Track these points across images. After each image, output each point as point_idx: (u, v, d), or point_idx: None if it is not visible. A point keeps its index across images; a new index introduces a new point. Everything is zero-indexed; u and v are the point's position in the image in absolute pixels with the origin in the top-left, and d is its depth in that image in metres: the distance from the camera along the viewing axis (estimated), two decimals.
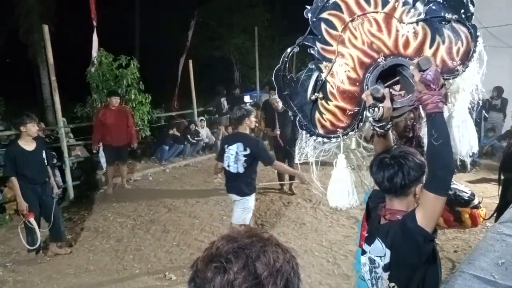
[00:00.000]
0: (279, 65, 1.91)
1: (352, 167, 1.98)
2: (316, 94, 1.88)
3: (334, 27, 1.85)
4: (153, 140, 9.20)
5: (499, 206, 4.08)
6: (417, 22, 1.75)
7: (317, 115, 1.91)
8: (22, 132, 4.29)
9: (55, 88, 6.33)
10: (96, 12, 7.48)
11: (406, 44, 1.77)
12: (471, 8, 1.71)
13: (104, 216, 5.84)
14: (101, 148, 6.91)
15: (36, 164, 4.37)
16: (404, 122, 2.83)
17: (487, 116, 8.64)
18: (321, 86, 1.89)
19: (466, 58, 1.73)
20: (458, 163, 1.91)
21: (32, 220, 4.27)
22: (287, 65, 1.93)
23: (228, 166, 3.97)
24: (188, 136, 9.20)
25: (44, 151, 4.49)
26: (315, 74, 1.90)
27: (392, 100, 1.63)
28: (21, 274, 4.15)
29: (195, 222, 5.47)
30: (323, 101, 1.90)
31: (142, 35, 17.07)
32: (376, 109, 1.60)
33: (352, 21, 1.82)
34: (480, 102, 1.86)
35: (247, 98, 12.48)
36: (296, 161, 2.11)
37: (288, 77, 1.93)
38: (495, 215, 4.03)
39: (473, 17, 1.75)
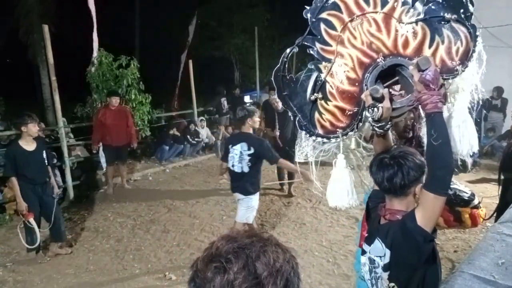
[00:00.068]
0: (278, 66, 1.92)
1: (351, 167, 1.98)
2: (315, 94, 1.88)
3: (333, 27, 1.85)
4: (153, 140, 9.21)
5: (499, 206, 4.08)
6: (416, 22, 1.75)
7: (316, 115, 1.91)
8: (23, 132, 4.29)
9: (55, 88, 6.33)
10: (96, 12, 7.47)
11: (406, 44, 1.77)
12: (471, 7, 1.71)
13: (104, 216, 5.84)
14: (101, 148, 6.92)
15: (36, 164, 4.37)
16: (404, 122, 2.83)
17: (487, 114, 8.65)
18: (320, 86, 1.89)
19: (465, 58, 1.73)
20: (459, 163, 1.91)
21: (31, 220, 4.27)
22: (286, 66, 1.93)
23: (233, 166, 4.02)
24: (188, 136, 9.20)
25: (44, 151, 4.49)
26: (315, 74, 1.90)
27: (391, 100, 1.63)
28: (21, 274, 4.16)
29: (195, 222, 5.47)
30: (322, 101, 1.90)
31: (142, 35, 17.05)
32: (375, 109, 1.60)
33: (351, 21, 1.82)
34: (480, 102, 1.86)
35: (247, 98, 12.47)
36: (296, 160, 2.12)
37: (288, 78, 1.93)
38: (495, 215, 4.03)
39: (473, 17, 1.75)
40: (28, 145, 4.32)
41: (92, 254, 4.61)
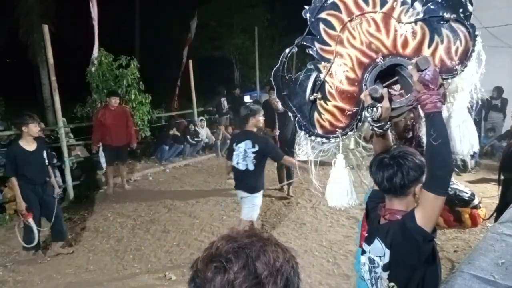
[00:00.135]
0: (277, 66, 1.91)
1: (351, 167, 1.98)
2: (315, 94, 1.88)
3: (332, 27, 1.85)
4: (153, 140, 9.21)
5: (499, 206, 4.08)
6: (415, 21, 1.75)
7: (316, 115, 1.91)
8: (23, 132, 4.29)
9: (55, 88, 6.33)
10: (97, 12, 7.47)
11: (405, 44, 1.77)
12: (470, 7, 1.71)
13: (104, 216, 5.84)
14: (100, 148, 6.92)
15: (37, 164, 4.37)
16: (404, 122, 2.83)
17: (487, 114, 8.65)
18: (320, 86, 1.89)
19: (464, 57, 1.73)
20: (459, 163, 1.91)
21: (30, 220, 4.27)
22: (285, 66, 1.93)
23: (237, 163, 4.07)
24: (188, 136, 9.20)
25: (45, 151, 4.50)
26: (314, 75, 1.90)
27: (390, 100, 1.63)
28: (21, 274, 4.16)
29: (195, 222, 5.47)
30: (322, 101, 1.90)
31: (142, 35, 17.08)
32: (374, 109, 1.60)
33: (350, 21, 1.82)
34: (480, 102, 1.86)
35: (247, 98, 12.48)
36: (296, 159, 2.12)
37: (287, 78, 1.93)
38: (495, 215, 4.03)
39: (473, 17, 1.74)
40: (29, 145, 4.33)
41: (92, 254, 4.61)
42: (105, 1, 7.66)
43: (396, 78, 1.73)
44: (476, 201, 4.94)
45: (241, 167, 4.05)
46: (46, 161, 4.49)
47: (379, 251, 1.64)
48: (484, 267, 2.33)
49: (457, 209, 4.88)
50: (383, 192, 1.68)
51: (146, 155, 9.02)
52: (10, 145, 5.58)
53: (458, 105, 1.86)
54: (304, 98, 1.92)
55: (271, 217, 5.59)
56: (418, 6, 1.75)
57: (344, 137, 1.89)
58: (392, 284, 1.61)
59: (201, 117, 10.01)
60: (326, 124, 1.90)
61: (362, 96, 1.70)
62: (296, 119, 1.93)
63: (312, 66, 1.90)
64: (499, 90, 8.50)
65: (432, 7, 1.74)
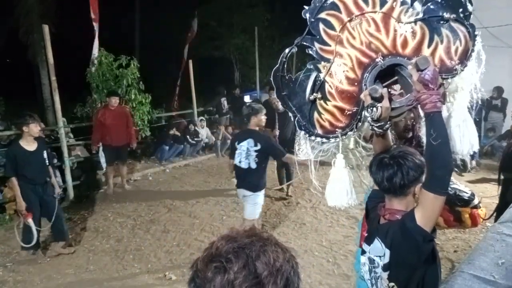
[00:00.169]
0: (277, 66, 1.91)
1: (351, 167, 1.97)
2: (314, 94, 1.88)
3: (332, 27, 1.85)
4: (153, 140, 9.21)
5: (499, 206, 4.07)
6: (415, 21, 1.75)
7: (315, 115, 1.91)
8: (24, 132, 4.29)
9: (55, 88, 6.33)
10: (97, 12, 7.47)
11: (404, 43, 1.76)
12: (469, 7, 1.71)
13: (104, 216, 5.84)
14: (100, 148, 6.92)
15: (37, 164, 4.37)
16: (404, 122, 2.83)
17: (487, 114, 8.65)
18: (319, 86, 1.88)
19: (464, 57, 1.73)
20: (459, 162, 1.91)
21: (30, 220, 4.27)
22: (285, 66, 1.93)
23: (240, 162, 4.10)
24: (188, 136, 9.20)
25: (45, 151, 4.50)
26: (314, 74, 1.90)
27: (390, 100, 1.63)
28: (21, 274, 4.16)
29: (195, 222, 5.47)
30: (321, 101, 1.90)
31: (142, 35, 17.07)
32: (374, 109, 1.60)
33: (350, 21, 1.82)
34: (479, 102, 1.86)
35: (247, 98, 12.48)
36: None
37: (287, 78, 1.93)
38: (495, 215, 4.02)
39: (473, 17, 1.74)
40: (29, 145, 4.33)
41: (92, 254, 4.61)
42: (105, 1, 7.65)
43: (395, 78, 1.73)
44: (476, 201, 4.94)
45: (244, 165, 4.08)
46: (47, 161, 4.49)
47: (379, 251, 1.64)
48: (484, 267, 2.32)
49: (457, 209, 4.89)
50: (383, 192, 1.68)
51: (146, 155, 9.02)
52: (10, 145, 5.59)
53: (458, 105, 1.85)
54: (304, 98, 1.92)
55: (271, 217, 5.59)
56: (417, 6, 1.75)
57: (344, 137, 1.89)
58: (392, 284, 1.61)
59: (201, 117, 10.02)
60: (326, 124, 1.90)
61: (362, 96, 1.70)
62: (296, 119, 1.93)
63: (311, 66, 1.90)
64: (499, 90, 8.50)
65: (431, 7, 1.74)
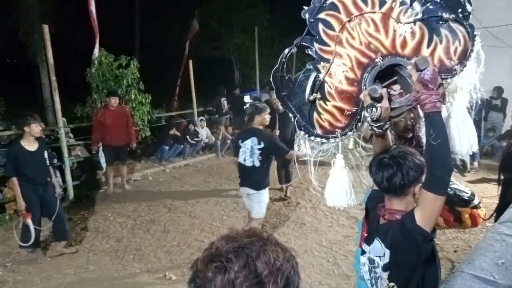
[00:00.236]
0: (277, 66, 1.92)
1: (350, 167, 1.98)
2: (314, 94, 1.88)
3: (331, 28, 1.85)
4: (153, 140, 9.21)
5: (499, 206, 4.07)
6: (414, 22, 1.75)
7: (315, 115, 1.91)
8: (25, 132, 4.30)
9: (55, 88, 6.33)
10: (96, 12, 7.45)
11: (404, 44, 1.77)
12: (468, 7, 1.71)
13: (104, 216, 5.84)
14: (100, 148, 6.92)
15: (38, 164, 4.38)
16: (404, 122, 2.83)
17: (487, 114, 8.64)
18: (319, 86, 1.89)
19: (463, 57, 1.73)
20: (459, 163, 1.91)
21: (29, 220, 4.27)
22: (285, 66, 1.93)
23: (244, 160, 4.15)
24: (187, 136, 9.20)
25: (46, 152, 4.50)
26: (313, 75, 1.90)
27: (390, 100, 1.63)
28: (21, 274, 4.16)
29: (195, 222, 5.47)
30: (321, 102, 1.90)
31: (142, 35, 17.08)
32: (374, 109, 1.60)
33: (349, 21, 1.82)
34: (479, 102, 1.86)
35: (247, 98, 12.48)
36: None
37: (286, 78, 1.93)
38: (494, 215, 4.02)
39: (472, 16, 1.75)
40: (30, 145, 4.33)
41: (92, 254, 4.61)
42: (105, 1, 7.65)
43: (395, 78, 1.73)
44: (476, 201, 4.94)
45: (248, 163, 4.13)
46: (47, 161, 4.49)
47: (379, 251, 1.64)
48: (484, 267, 2.32)
49: (457, 209, 4.88)
50: (382, 192, 1.68)
51: (146, 155, 9.02)
52: (10, 145, 5.59)
53: (457, 105, 1.86)
54: (303, 98, 1.92)
55: (271, 217, 5.59)
56: (417, 6, 1.75)
57: (344, 137, 1.89)
58: (392, 284, 1.61)
59: (201, 117, 10.01)
60: (326, 124, 1.90)
61: (361, 96, 1.70)
62: (296, 119, 1.93)
63: (311, 66, 1.90)
64: (499, 90, 8.50)
65: (431, 7, 1.74)
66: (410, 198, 1.62)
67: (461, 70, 1.73)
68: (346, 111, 1.86)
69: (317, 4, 1.85)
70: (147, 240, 4.96)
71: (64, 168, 6.45)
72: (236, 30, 15.54)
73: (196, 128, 9.50)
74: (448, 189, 1.52)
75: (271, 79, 1.94)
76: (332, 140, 1.90)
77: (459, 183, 5.32)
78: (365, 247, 1.76)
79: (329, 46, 1.86)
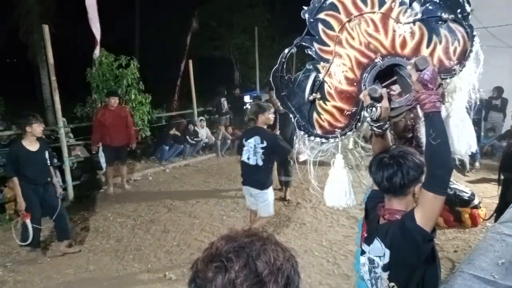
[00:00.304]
0: (276, 66, 1.92)
1: (350, 167, 1.98)
2: (314, 94, 1.88)
3: (331, 28, 1.85)
4: (153, 140, 9.21)
5: (499, 206, 4.07)
6: (414, 22, 1.75)
7: (315, 115, 1.91)
8: (27, 132, 4.30)
9: (55, 88, 6.34)
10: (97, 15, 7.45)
11: (403, 44, 1.77)
12: (467, 7, 1.71)
13: (104, 216, 5.84)
14: (100, 148, 6.92)
15: (39, 164, 4.38)
16: (404, 122, 2.83)
17: (487, 114, 8.64)
18: (319, 86, 1.89)
19: (463, 57, 1.73)
20: (457, 162, 1.91)
21: (28, 221, 4.28)
22: (284, 66, 1.93)
23: (248, 158, 4.21)
24: (187, 137, 9.20)
25: (47, 152, 4.51)
26: (313, 75, 1.90)
27: (389, 100, 1.63)
28: (21, 274, 4.16)
29: (195, 222, 5.47)
30: (321, 102, 1.90)
31: (142, 35, 17.07)
32: (374, 109, 1.61)
33: (349, 21, 1.82)
34: (478, 102, 1.86)
35: (247, 98, 12.48)
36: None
37: (286, 78, 1.94)
38: (495, 215, 4.02)
39: (472, 16, 1.75)
40: (32, 145, 4.34)
41: (92, 254, 4.61)
42: (105, 1, 7.65)
43: (395, 78, 1.73)
44: (476, 201, 4.94)
45: (252, 162, 4.19)
46: (48, 162, 4.49)
47: (378, 251, 1.64)
48: (484, 267, 2.32)
49: (457, 209, 4.88)
50: (382, 192, 1.68)
51: (146, 155, 9.02)
52: (11, 145, 5.59)
53: (456, 105, 1.86)
54: (303, 98, 1.92)
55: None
56: (416, 6, 1.75)
57: (343, 137, 1.89)
58: (392, 284, 1.61)
59: (201, 117, 10.01)
60: (325, 124, 1.90)
61: (361, 96, 1.70)
62: (295, 119, 1.94)
63: (311, 66, 1.90)
64: (499, 90, 8.50)
65: (430, 7, 1.74)
66: (410, 198, 1.62)
67: (460, 70, 1.73)
68: (345, 111, 1.86)
69: (316, 4, 1.85)
70: (147, 240, 4.96)
71: (64, 168, 6.45)
72: (236, 30, 15.54)
73: (196, 128, 9.50)
74: (448, 189, 1.52)
75: (271, 79, 1.94)
76: (331, 140, 1.90)
77: (459, 183, 5.32)
78: (365, 247, 1.75)
79: (328, 46, 1.86)
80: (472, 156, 6.78)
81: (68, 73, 9.70)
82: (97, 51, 7.34)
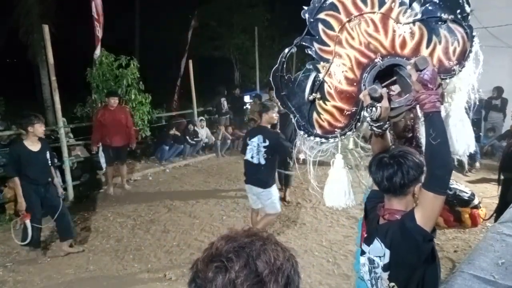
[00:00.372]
0: (276, 66, 1.92)
1: (349, 167, 1.98)
2: (314, 94, 1.89)
3: (331, 28, 1.85)
4: (153, 140, 9.21)
5: (499, 206, 4.07)
6: (413, 22, 1.75)
7: (315, 115, 1.92)
8: (29, 133, 4.30)
9: (55, 88, 6.33)
10: (96, 12, 7.45)
11: (403, 44, 1.77)
12: (467, 8, 1.72)
13: (104, 216, 5.84)
14: (100, 148, 6.92)
15: (40, 164, 4.38)
16: (404, 122, 2.83)
17: (487, 114, 8.64)
18: (318, 86, 1.89)
19: (462, 58, 1.74)
20: (456, 162, 1.91)
21: (27, 221, 4.28)
22: (284, 66, 1.93)
23: (252, 157, 4.25)
24: (187, 137, 9.20)
25: (48, 152, 4.51)
26: (313, 75, 1.90)
27: (389, 100, 1.63)
28: (21, 274, 4.16)
29: (195, 222, 5.47)
30: (321, 102, 1.90)
31: (142, 35, 17.08)
32: (373, 109, 1.61)
33: (349, 21, 1.82)
34: (477, 102, 1.86)
35: (247, 98, 12.48)
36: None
37: (286, 78, 1.94)
38: (494, 215, 4.02)
39: (472, 16, 1.75)
40: (33, 145, 4.34)
41: (92, 254, 4.61)
42: (105, 1, 7.65)
43: (394, 78, 1.73)
44: (476, 201, 4.94)
45: (255, 160, 4.23)
46: (49, 162, 4.50)
47: (378, 251, 1.64)
48: (484, 267, 2.32)
49: (457, 209, 4.88)
50: (382, 192, 1.68)
51: (146, 155, 9.02)
52: (11, 145, 5.59)
53: (455, 105, 1.86)
54: (303, 98, 1.92)
55: None
56: (416, 7, 1.76)
57: (343, 137, 1.89)
58: (392, 284, 1.61)
59: (201, 117, 10.01)
60: (325, 124, 1.90)
61: (361, 96, 1.70)
62: (295, 119, 1.94)
63: (311, 66, 1.91)
64: (499, 90, 8.50)
65: (430, 8, 1.75)
66: (410, 198, 1.62)
67: (460, 71, 1.74)
68: (345, 111, 1.87)
69: (317, 4, 1.85)
70: (147, 240, 4.96)
71: (64, 168, 6.45)
72: (236, 30, 15.54)
73: (196, 128, 9.50)
74: (448, 188, 1.52)
75: (271, 79, 1.94)
76: (331, 140, 1.90)
77: (459, 183, 5.32)
78: (364, 247, 1.75)
79: (328, 46, 1.87)
80: (472, 156, 6.79)
81: (68, 73, 9.70)
82: (98, 51, 7.35)
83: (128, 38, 16.34)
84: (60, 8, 11.73)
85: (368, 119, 1.66)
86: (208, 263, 0.77)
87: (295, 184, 6.51)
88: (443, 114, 1.75)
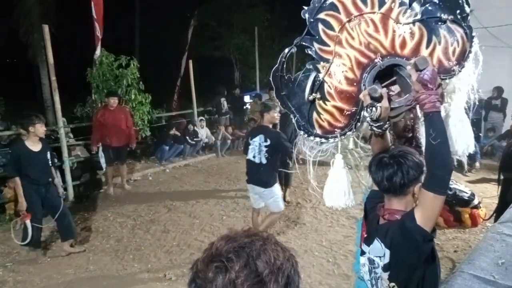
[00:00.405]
0: (276, 66, 1.92)
1: (349, 167, 1.98)
2: (314, 94, 1.89)
3: (331, 28, 1.85)
4: (153, 140, 9.21)
5: (499, 206, 4.07)
6: (413, 22, 1.76)
7: (315, 115, 1.92)
8: (29, 133, 4.30)
9: (55, 88, 6.34)
10: (97, 12, 7.45)
11: (403, 44, 1.77)
12: (467, 8, 1.72)
13: (104, 216, 5.84)
14: (100, 148, 6.92)
15: (41, 164, 4.38)
16: (403, 122, 2.83)
17: (487, 114, 8.64)
18: (318, 86, 1.89)
19: (462, 58, 1.74)
20: (455, 162, 1.91)
21: (27, 221, 4.28)
22: (284, 66, 1.93)
23: (254, 157, 4.28)
24: (187, 137, 9.20)
25: (49, 152, 4.51)
26: (313, 75, 1.90)
27: (389, 100, 1.63)
28: (21, 274, 4.16)
29: (195, 222, 5.47)
30: (320, 102, 1.90)
31: (142, 35, 17.08)
32: (373, 109, 1.61)
33: (349, 21, 1.82)
34: (477, 102, 1.87)
35: (247, 98, 12.48)
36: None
37: (286, 78, 1.94)
38: (494, 215, 4.02)
39: (472, 16, 1.75)
40: (34, 145, 4.34)
41: (92, 254, 4.61)
42: (105, 1, 7.65)
43: (394, 78, 1.73)
44: (476, 201, 4.94)
45: (257, 160, 4.26)
46: (50, 162, 4.50)
47: (378, 251, 1.64)
48: (484, 267, 2.32)
49: (457, 209, 4.88)
50: (382, 192, 1.68)
51: (146, 155, 9.02)
52: (11, 145, 5.59)
53: (455, 106, 1.86)
54: (303, 98, 1.92)
55: None
56: (416, 7, 1.76)
57: (343, 137, 1.89)
58: (392, 284, 1.61)
59: (201, 117, 10.01)
60: (325, 124, 1.91)
61: (361, 96, 1.70)
62: (295, 119, 1.94)
63: (311, 66, 1.91)
64: (499, 90, 8.50)
65: (429, 8, 1.75)
66: (410, 198, 1.62)
67: (460, 71, 1.74)
68: (345, 111, 1.87)
69: (317, 4, 1.85)
70: (147, 240, 4.96)
71: (64, 168, 6.44)
72: (236, 30, 15.54)
73: (196, 128, 9.50)
74: (448, 188, 1.52)
75: (271, 79, 1.94)
76: (331, 140, 1.90)
77: (459, 183, 5.32)
78: (364, 247, 1.75)
79: (328, 46, 1.87)
80: (472, 156, 6.79)
81: (68, 73, 9.70)
82: (98, 51, 7.35)
83: (128, 38, 16.34)
84: (60, 8, 11.74)
85: (368, 119, 1.66)
86: (208, 263, 0.77)
87: (295, 184, 6.52)
88: (443, 114, 1.75)
